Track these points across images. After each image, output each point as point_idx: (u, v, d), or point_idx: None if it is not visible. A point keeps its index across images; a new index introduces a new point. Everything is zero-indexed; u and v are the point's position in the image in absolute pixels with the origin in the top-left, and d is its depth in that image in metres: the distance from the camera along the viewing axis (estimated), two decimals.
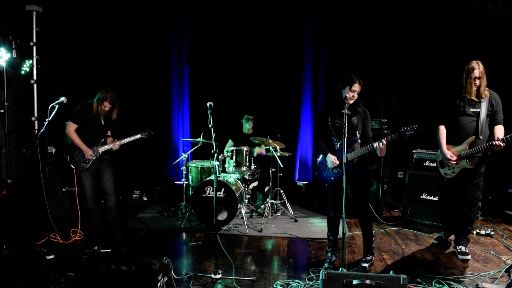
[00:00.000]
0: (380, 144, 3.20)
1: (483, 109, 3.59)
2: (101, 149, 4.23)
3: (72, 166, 4.19)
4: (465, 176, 3.72)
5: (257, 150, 5.38)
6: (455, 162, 3.68)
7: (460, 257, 3.83)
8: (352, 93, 3.35)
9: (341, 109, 3.50)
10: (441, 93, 3.94)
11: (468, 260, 3.81)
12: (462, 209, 3.83)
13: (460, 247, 3.90)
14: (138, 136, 4.35)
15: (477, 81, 3.57)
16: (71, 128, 4.17)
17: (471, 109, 3.62)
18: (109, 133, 4.41)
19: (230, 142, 5.69)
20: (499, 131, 3.60)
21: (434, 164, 4.65)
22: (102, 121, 4.28)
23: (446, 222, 4.13)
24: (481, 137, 3.59)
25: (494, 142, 3.42)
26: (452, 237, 4.11)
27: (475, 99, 3.62)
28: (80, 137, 4.17)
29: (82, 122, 4.18)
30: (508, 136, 3.38)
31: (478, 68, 3.55)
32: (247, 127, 5.64)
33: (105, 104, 4.16)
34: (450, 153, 3.68)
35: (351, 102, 3.39)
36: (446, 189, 3.96)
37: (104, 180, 4.28)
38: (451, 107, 3.70)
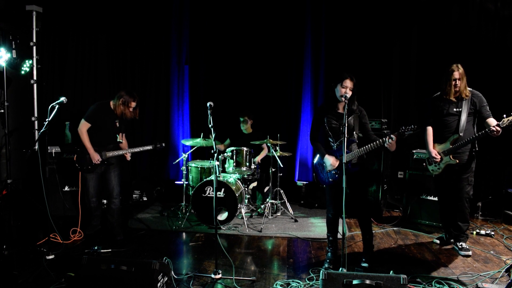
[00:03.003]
0: (390, 139, 3.18)
1: (465, 108, 3.80)
2: (110, 154, 4.14)
3: (78, 167, 4.13)
4: (454, 172, 3.88)
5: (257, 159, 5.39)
6: (439, 160, 3.88)
7: (462, 253, 3.91)
8: (344, 89, 3.32)
9: (336, 109, 3.49)
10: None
11: (470, 255, 3.88)
12: (454, 205, 3.95)
13: (460, 243, 3.98)
14: (149, 147, 4.28)
15: (458, 83, 3.78)
16: (84, 128, 4.06)
17: (454, 109, 3.84)
18: (123, 138, 4.34)
19: (228, 141, 5.70)
20: (493, 121, 3.72)
21: None
22: (117, 123, 4.20)
23: (445, 223, 4.17)
24: (461, 134, 3.78)
25: (492, 128, 3.52)
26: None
27: (456, 99, 3.83)
28: (91, 138, 4.08)
29: (95, 122, 4.09)
30: (502, 121, 3.49)
31: (457, 71, 3.78)
32: (243, 128, 5.64)
33: (132, 105, 4.11)
34: (435, 152, 3.91)
35: (347, 100, 3.33)
36: (440, 188, 4.10)
37: (109, 181, 4.22)
38: (437, 109, 3.92)
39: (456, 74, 3.76)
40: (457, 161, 3.80)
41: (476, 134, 3.67)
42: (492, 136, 3.55)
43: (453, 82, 3.77)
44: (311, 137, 3.63)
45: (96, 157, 4.07)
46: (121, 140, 4.32)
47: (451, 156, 3.82)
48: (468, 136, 3.74)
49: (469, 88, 3.83)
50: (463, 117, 3.78)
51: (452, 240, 4.13)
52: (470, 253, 3.91)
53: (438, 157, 3.87)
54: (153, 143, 4.34)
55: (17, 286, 3.12)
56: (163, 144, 4.37)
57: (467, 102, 3.79)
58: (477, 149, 3.85)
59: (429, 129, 4.00)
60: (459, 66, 3.79)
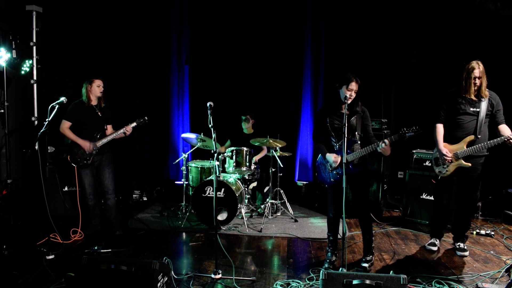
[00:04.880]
0: (383, 144, 3.19)
1: (483, 108, 3.62)
2: (99, 143, 4.18)
3: (74, 165, 4.15)
4: (464, 176, 3.74)
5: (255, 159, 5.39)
6: (450, 160, 3.69)
7: (458, 253, 3.90)
8: (349, 92, 3.32)
9: (339, 109, 3.49)
10: (441, 92, 3.95)
11: (466, 256, 3.86)
12: (461, 209, 3.88)
13: (458, 243, 3.96)
14: (133, 124, 4.29)
15: (477, 81, 3.60)
16: (64, 125, 4.16)
17: (472, 109, 3.65)
18: (110, 127, 4.37)
19: (228, 143, 5.69)
20: (506, 129, 3.61)
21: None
22: (99, 113, 4.24)
23: (437, 227, 4.08)
24: (479, 136, 3.62)
25: (511, 138, 3.40)
26: (437, 242, 4.10)
27: (475, 99, 3.65)
28: (78, 135, 4.14)
29: (76, 119, 4.15)
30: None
31: (478, 68, 3.58)
32: (244, 127, 5.64)
33: (98, 83, 4.14)
34: (446, 150, 3.71)
35: (349, 101, 3.33)
36: (443, 189, 3.93)
37: (103, 178, 4.27)
38: (452, 106, 3.72)
39: (477, 72, 3.57)
40: (470, 164, 3.64)
41: (494, 141, 3.49)
42: (508, 144, 3.43)
43: (473, 80, 3.58)
44: (313, 138, 3.65)
45: (87, 144, 4.10)
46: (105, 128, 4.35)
47: (463, 160, 3.66)
48: (483, 139, 3.60)
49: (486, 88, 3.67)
50: (482, 118, 3.60)
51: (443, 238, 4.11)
52: (466, 253, 3.88)
53: (450, 155, 3.67)
54: (136, 119, 4.32)
55: (17, 286, 3.12)
56: (145, 118, 4.35)
57: (485, 103, 3.62)
58: (487, 152, 3.70)
59: (440, 127, 3.78)
60: (479, 63, 3.60)
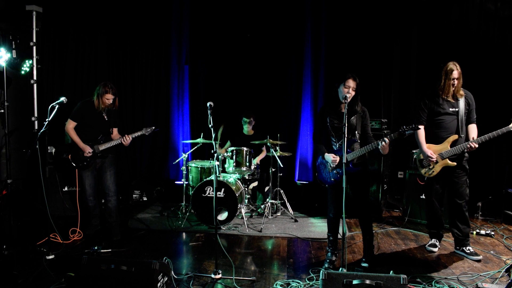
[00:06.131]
0: (383, 142, 3.20)
1: (461, 107, 3.71)
2: (103, 147, 4.18)
3: (74, 165, 4.16)
4: (452, 174, 3.76)
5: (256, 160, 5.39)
6: (435, 161, 3.73)
7: (473, 258, 3.78)
8: (347, 89, 3.33)
9: (339, 109, 3.49)
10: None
11: (480, 260, 3.76)
12: (456, 209, 3.84)
13: (468, 248, 3.86)
14: (140, 132, 4.26)
15: (455, 82, 3.67)
16: (69, 125, 4.15)
17: (451, 109, 3.73)
18: (115, 131, 4.37)
19: (228, 143, 5.69)
20: (473, 130, 3.72)
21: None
22: (105, 117, 4.24)
23: (434, 228, 4.06)
24: (462, 135, 3.69)
25: (469, 144, 3.55)
26: (438, 243, 4.08)
27: (452, 99, 3.73)
28: (82, 135, 4.14)
29: (81, 119, 4.15)
30: (482, 137, 3.53)
31: (456, 70, 3.66)
32: (246, 128, 5.64)
33: (108, 97, 4.13)
34: (430, 152, 3.75)
35: (347, 100, 3.30)
36: (433, 190, 3.93)
37: (105, 179, 4.25)
38: (432, 107, 3.78)
39: (456, 74, 3.65)
40: (455, 164, 3.68)
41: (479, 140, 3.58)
42: (468, 151, 3.60)
43: (452, 81, 3.66)
44: (314, 138, 3.65)
45: (86, 149, 4.10)
46: (111, 132, 4.34)
47: (448, 159, 3.70)
48: (466, 138, 3.67)
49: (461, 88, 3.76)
50: (462, 117, 3.68)
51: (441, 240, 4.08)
52: (480, 257, 3.77)
53: (435, 156, 3.72)
54: (144, 128, 4.29)
55: (17, 286, 3.12)
56: (153, 128, 4.30)
57: (463, 102, 3.70)
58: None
59: (421, 128, 3.82)
60: (456, 64, 3.68)
